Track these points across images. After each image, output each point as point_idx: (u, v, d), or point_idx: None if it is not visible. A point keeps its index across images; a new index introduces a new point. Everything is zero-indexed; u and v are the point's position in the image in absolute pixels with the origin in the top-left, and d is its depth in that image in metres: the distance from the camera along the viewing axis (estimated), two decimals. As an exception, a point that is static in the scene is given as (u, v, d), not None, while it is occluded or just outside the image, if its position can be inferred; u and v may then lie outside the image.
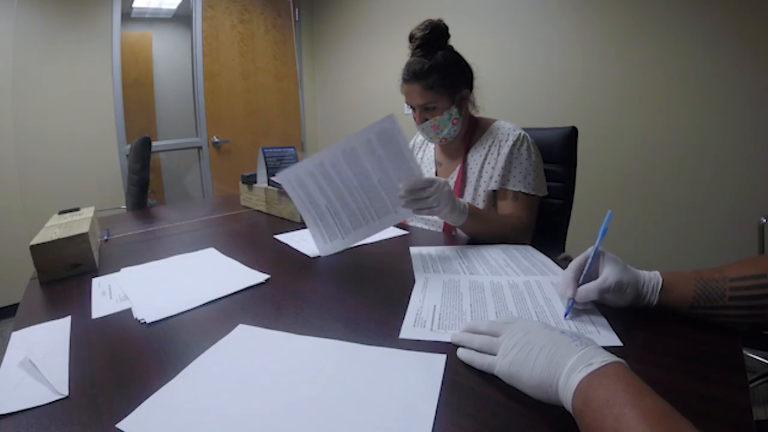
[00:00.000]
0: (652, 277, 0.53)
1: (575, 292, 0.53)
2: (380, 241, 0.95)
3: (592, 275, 0.55)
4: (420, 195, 0.75)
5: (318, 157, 0.77)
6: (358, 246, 0.91)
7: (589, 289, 0.52)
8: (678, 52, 1.67)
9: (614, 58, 1.85)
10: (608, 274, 0.52)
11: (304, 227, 1.07)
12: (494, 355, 0.43)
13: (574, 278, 0.55)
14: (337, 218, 0.83)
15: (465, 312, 0.57)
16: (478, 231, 0.89)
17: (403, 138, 0.74)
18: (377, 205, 0.81)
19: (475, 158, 1.05)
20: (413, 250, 0.86)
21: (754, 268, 0.47)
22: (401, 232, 1.03)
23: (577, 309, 0.55)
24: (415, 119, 1.05)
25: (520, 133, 1.01)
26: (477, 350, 0.45)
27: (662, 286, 0.52)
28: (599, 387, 0.32)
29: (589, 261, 0.55)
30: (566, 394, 0.34)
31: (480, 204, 1.03)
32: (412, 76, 0.99)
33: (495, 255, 0.80)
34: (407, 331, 0.53)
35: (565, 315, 0.54)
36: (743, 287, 0.47)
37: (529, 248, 0.83)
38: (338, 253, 0.87)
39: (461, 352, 0.46)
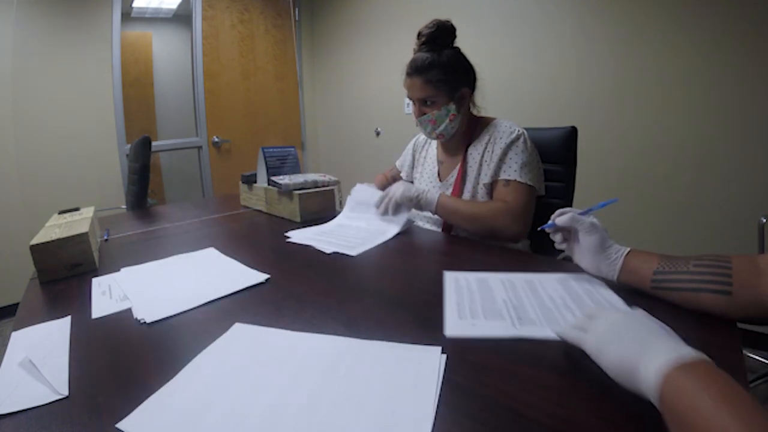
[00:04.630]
0: (621, 247, 0.60)
1: (556, 217, 0.65)
2: (379, 241, 0.95)
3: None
4: (383, 203, 1.05)
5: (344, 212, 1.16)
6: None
7: (567, 214, 0.63)
8: (679, 51, 1.67)
9: (615, 58, 1.85)
10: (587, 218, 0.63)
11: (306, 226, 1.08)
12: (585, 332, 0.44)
13: (560, 213, 0.66)
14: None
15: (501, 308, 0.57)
16: (451, 218, 1.00)
17: (362, 196, 1.14)
18: (378, 232, 1.02)
19: (474, 155, 1.06)
20: (448, 275, 0.70)
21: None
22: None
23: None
24: (414, 114, 1.08)
25: (518, 130, 1.02)
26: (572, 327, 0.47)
27: (629, 252, 0.59)
28: (688, 380, 0.31)
29: (579, 211, 0.64)
30: (650, 380, 0.33)
31: (480, 199, 1.04)
32: (414, 69, 1.01)
33: (550, 289, 0.62)
34: (452, 328, 0.52)
35: (540, 228, 0.69)
36: (706, 258, 0.52)
37: (593, 280, 0.64)
38: (338, 253, 0.87)
39: (556, 328, 0.49)
